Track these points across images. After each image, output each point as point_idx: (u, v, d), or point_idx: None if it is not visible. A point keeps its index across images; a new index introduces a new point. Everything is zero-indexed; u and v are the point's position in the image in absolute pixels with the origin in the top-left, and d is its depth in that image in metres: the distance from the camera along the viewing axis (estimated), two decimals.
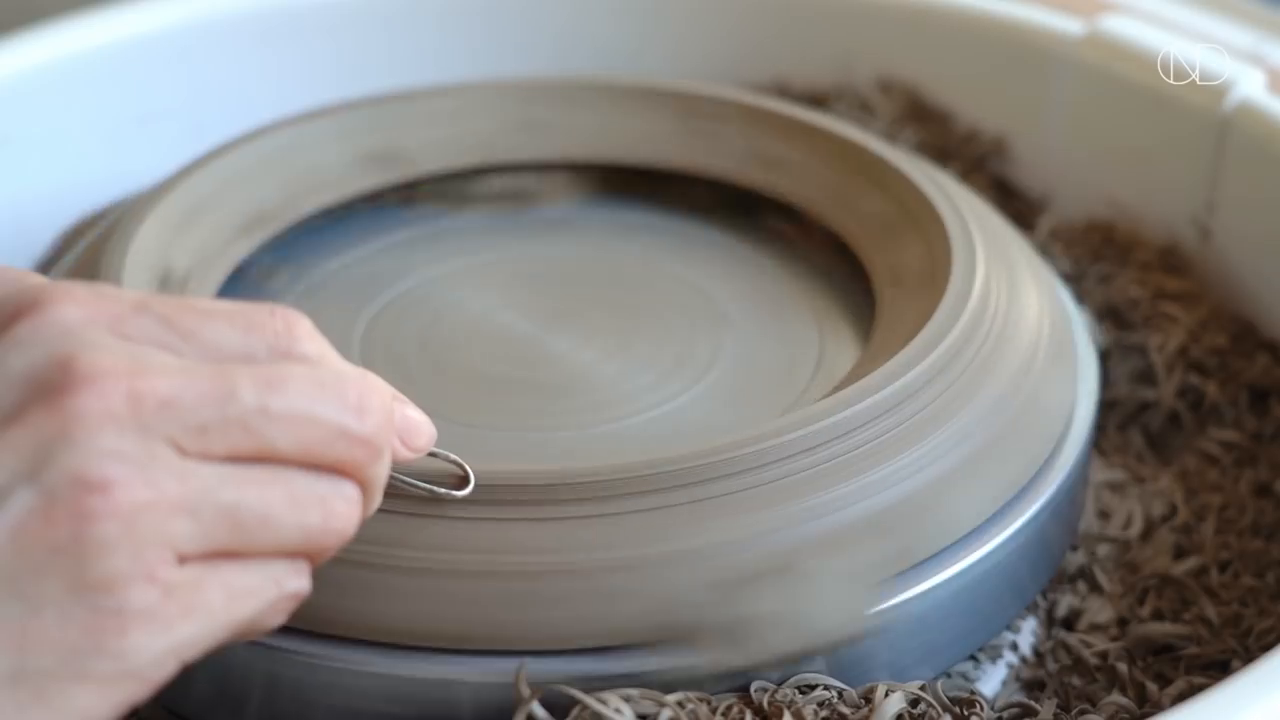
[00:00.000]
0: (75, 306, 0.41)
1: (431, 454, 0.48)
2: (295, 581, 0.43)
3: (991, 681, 0.56)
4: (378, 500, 0.45)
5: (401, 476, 0.48)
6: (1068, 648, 0.57)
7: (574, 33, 0.83)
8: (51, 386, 0.40)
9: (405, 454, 0.46)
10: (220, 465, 0.41)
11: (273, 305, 0.44)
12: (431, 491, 0.49)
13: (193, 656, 0.41)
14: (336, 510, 0.43)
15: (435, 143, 0.68)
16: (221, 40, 0.78)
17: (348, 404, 0.43)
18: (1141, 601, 0.59)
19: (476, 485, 0.49)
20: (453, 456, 0.49)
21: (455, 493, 0.49)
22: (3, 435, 0.39)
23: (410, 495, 0.49)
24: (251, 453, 0.41)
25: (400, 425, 0.46)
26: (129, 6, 0.77)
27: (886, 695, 0.50)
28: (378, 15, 0.81)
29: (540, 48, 0.83)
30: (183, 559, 0.41)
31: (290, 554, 0.43)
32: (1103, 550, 0.61)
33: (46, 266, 0.69)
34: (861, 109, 0.80)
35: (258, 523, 0.42)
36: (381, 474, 0.44)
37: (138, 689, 0.40)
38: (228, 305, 0.43)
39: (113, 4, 0.77)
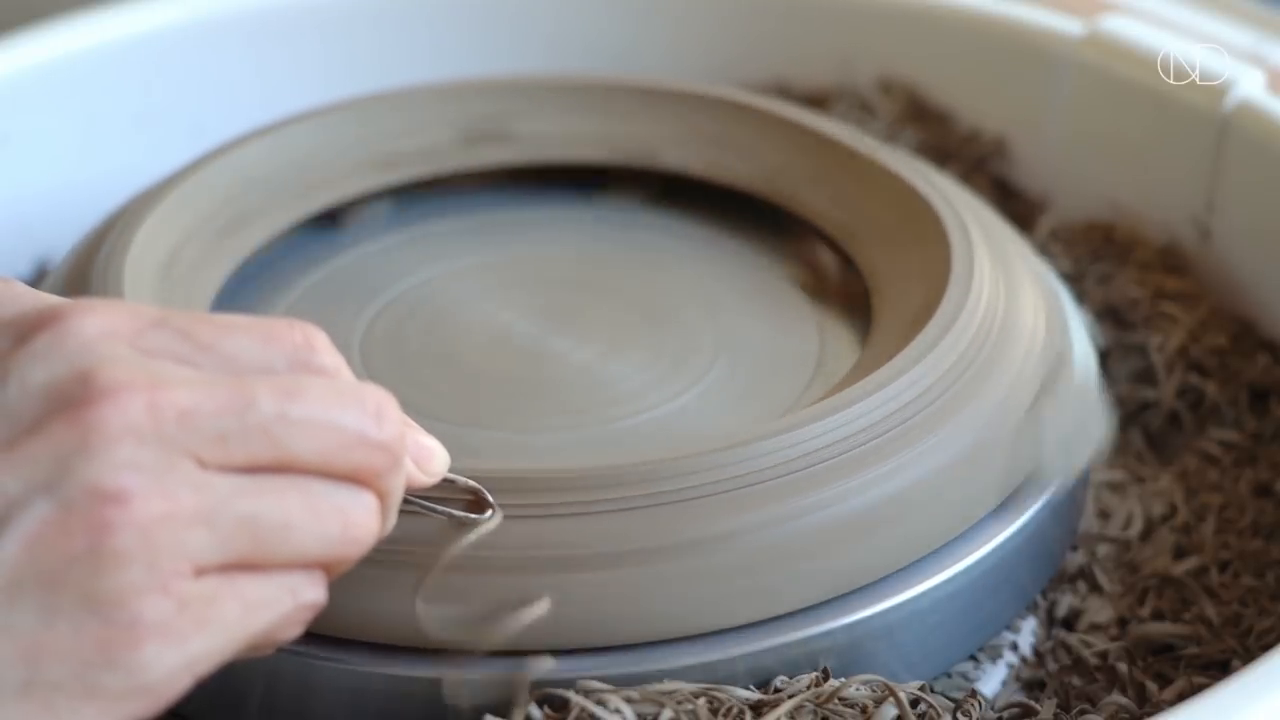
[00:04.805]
0: (95, 320, 0.41)
1: (447, 480, 0.48)
2: (311, 592, 0.43)
3: (991, 681, 0.56)
4: (394, 516, 0.45)
5: (422, 502, 0.48)
6: (1068, 648, 0.57)
7: (568, 32, 0.83)
8: (71, 399, 0.40)
9: (421, 479, 0.46)
10: (239, 476, 0.41)
11: (290, 319, 0.44)
12: (449, 515, 0.48)
13: (206, 670, 0.41)
14: (356, 520, 0.43)
15: (433, 143, 0.68)
16: (221, 39, 0.78)
17: (366, 410, 0.43)
18: (1141, 601, 0.59)
19: (496, 509, 0.49)
20: (471, 483, 0.49)
21: (474, 516, 0.49)
22: (22, 447, 0.39)
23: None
24: (271, 462, 0.41)
25: (413, 451, 0.46)
26: (127, 7, 0.77)
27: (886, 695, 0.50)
28: (372, 15, 0.81)
29: (533, 48, 0.82)
30: (199, 571, 0.41)
31: (308, 565, 0.43)
32: (1103, 550, 0.61)
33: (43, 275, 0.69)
34: (861, 109, 0.80)
35: (277, 533, 0.41)
36: (398, 485, 0.44)
37: (148, 705, 0.40)
38: (245, 319, 0.43)
39: (112, 4, 0.77)
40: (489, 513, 0.49)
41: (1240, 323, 0.70)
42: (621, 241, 0.67)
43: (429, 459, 0.47)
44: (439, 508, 0.48)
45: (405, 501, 0.45)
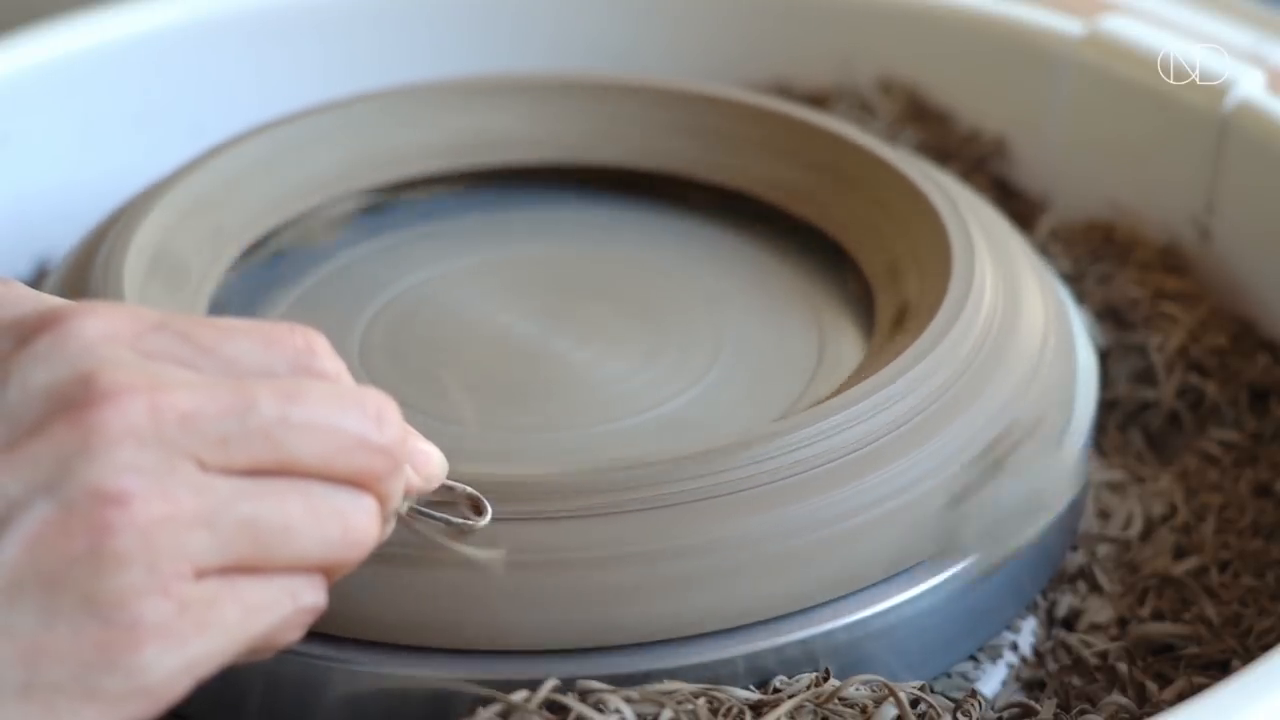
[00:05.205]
0: (96, 322, 0.41)
1: (445, 485, 0.48)
2: (311, 596, 0.43)
3: (991, 681, 0.56)
4: (393, 520, 0.45)
5: (419, 508, 0.48)
6: (1068, 648, 0.57)
7: (568, 32, 0.83)
8: (73, 401, 0.40)
9: (419, 484, 0.46)
10: (240, 479, 0.41)
11: (291, 323, 0.44)
12: (448, 521, 0.48)
13: (206, 673, 0.41)
14: (356, 523, 0.43)
15: (432, 143, 0.68)
16: (221, 39, 0.78)
17: (367, 413, 0.43)
18: (1141, 601, 0.59)
19: (494, 515, 0.49)
20: (468, 489, 0.49)
21: (471, 522, 0.49)
22: (23, 448, 0.39)
23: (431, 526, 0.49)
24: (272, 464, 0.41)
25: (412, 456, 0.46)
26: (128, 7, 0.77)
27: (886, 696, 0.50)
28: (372, 15, 0.81)
29: (533, 48, 0.82)
30: (200, 573, 0.40)
31: (308, 568, 0.43)
32: (1103, 550, 0.61)
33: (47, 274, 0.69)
34: (861, 109, 0.80)
35: (277, 535, 0.41)
36: (398, 489, 0.44)
37: (148, 707, 0.40)
38: (246, 322, 0.43)
39: (112, 4, 0.77)
40: (486, 518, 0.49)
41: (1240, 323, 0.70)
42: (620, 242, 0.67)
43: (427, 464, 0.47)
44: (437, 513, 0.48)
45: (409, 508, 0.45)
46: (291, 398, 0.42)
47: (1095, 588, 0.60)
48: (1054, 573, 0.59)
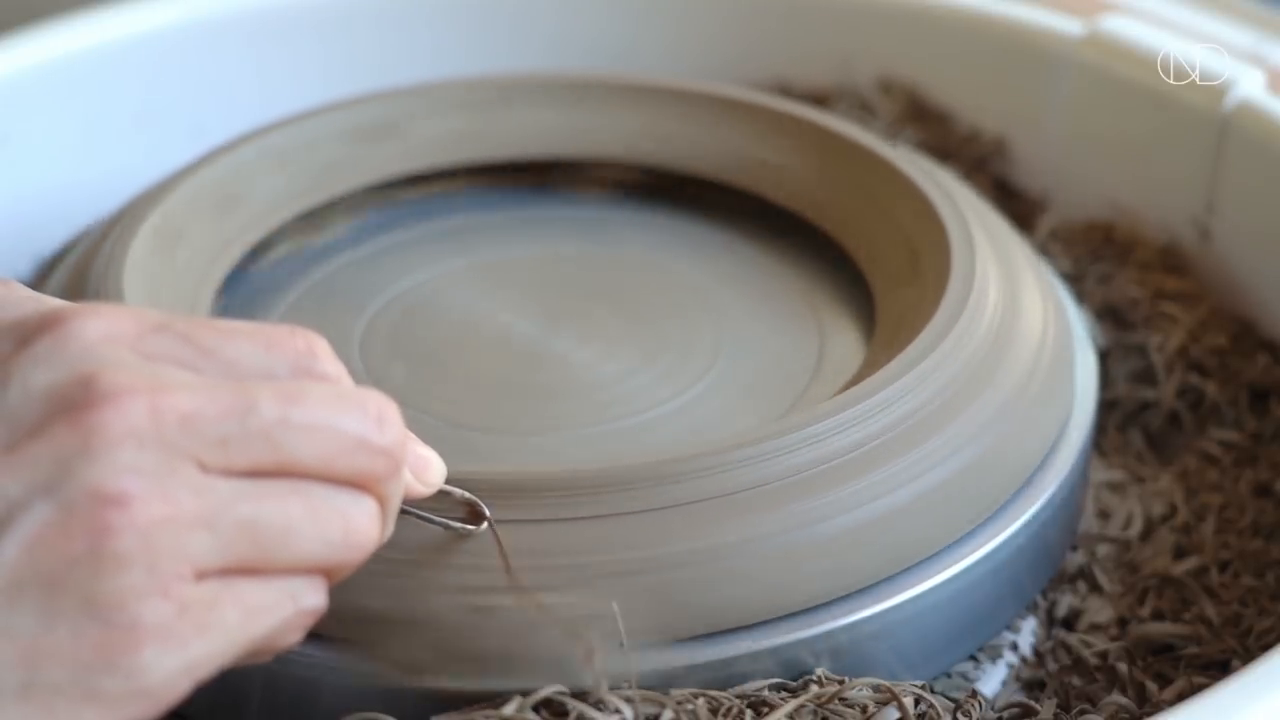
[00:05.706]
0: (97, 324, 0.41)
1: (443, 491, 0.48)
2: (312, 598, 0.43)
3: (991, 681, 0.56)
4: (392, 523, 0.45)
5: (416, 511, 0.48)
6: (1068, 648, 0.57)
7: (568, 32, 0.83)
8: (73, 403, 0.40)
9: (418, 489, 0.46)
10: (240, 480, 0.41)
11: (292, 326, 0.44)
12: (446, 525, 0.48)
13: (205, 675, 0.41)
14: (357, 524, 0.43)
15: (432, 143, 0.68)
16: (221, 39, 0.78)
17: (368, 414, 0.43)
18: (1141, 601, 0.59)
19: (492, 520, 0.49)
20: (467, 495, 0.49)
21: (469, 527, 0.49)
22: (23, 449, 0.39)
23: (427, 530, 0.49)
24: (273, 466, 0.41)
25: (411, 461, 0.46)
26: (127, 7, 0.77)
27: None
28: (372, 15, 0.81)
29: (533, 48, 0.82)
30: (200, 575, 0.40)
31: (309, 570, 0.43)
32: (1103, 550, 0.61)
33: (46, 275, 0.69)
34: (861, 109, 0.80)
35: (277, 537, 0.41)
36: (398, 491, 0.44)
37: (147, 708, 0.40)
38: (248, 325, 0.43)
39: (112, 4, 0.77)
40: (484, 524, 0.49)
41: (1240, 323, 0.70)
42: (620, 242, 0.67)
43: (426, 469, 0.47)
44: (435, 518, 0.48)
45: (401, 511, 0.45)
46: (292, 399, 0.41)
47: (1095, 588, 0.60)
48: (1054, 573, 0.59)
